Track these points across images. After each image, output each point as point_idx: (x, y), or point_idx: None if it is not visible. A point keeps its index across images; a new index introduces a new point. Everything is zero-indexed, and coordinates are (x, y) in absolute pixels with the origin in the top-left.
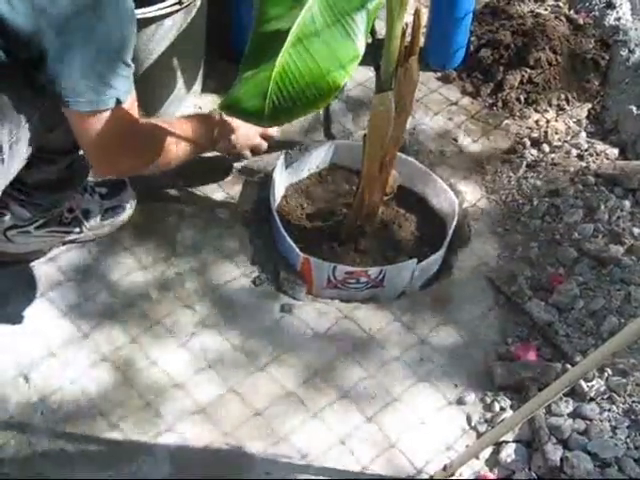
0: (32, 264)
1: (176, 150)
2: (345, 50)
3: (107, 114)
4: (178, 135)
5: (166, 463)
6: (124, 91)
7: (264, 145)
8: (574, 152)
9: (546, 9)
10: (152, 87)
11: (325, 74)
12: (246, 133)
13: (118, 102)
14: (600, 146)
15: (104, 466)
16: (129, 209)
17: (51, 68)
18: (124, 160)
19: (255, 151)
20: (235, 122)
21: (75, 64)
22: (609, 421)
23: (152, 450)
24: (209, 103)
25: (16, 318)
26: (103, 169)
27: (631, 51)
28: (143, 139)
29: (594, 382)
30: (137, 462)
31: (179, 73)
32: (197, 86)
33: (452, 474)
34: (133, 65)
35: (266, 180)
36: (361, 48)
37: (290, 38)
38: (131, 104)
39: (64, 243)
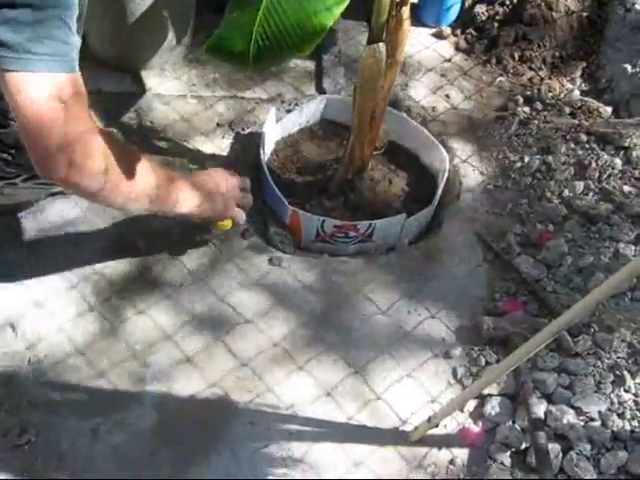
0: (19, 215)
1: (133, 182)
2: None
3: (39, 80)
4: (141, 167)
5: (152, 412)
6: (60, 57)
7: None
8: (567, 110)
9: None
10: (141, 37)
11: (311, 16)
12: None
13: (50, 68)
14: (593, 104)
15: (91, 414)
16: None
17: None
18: (54, 152)
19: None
20: (211, 184)
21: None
22: (594, 376)
23: (139, 399)
24: (199, 55)
25: (2, 268)
26: (34, 156)
27: (628, 9)
28: (84, 139)
29: (580, 337)
30: (124, 410)
31: (169, 24)
32: (187, 38)
33: (436, 425)
34: (78, 37)
35: (256, 134)
36: None
37: None
38: (72, 81)
39: (52, 194)
